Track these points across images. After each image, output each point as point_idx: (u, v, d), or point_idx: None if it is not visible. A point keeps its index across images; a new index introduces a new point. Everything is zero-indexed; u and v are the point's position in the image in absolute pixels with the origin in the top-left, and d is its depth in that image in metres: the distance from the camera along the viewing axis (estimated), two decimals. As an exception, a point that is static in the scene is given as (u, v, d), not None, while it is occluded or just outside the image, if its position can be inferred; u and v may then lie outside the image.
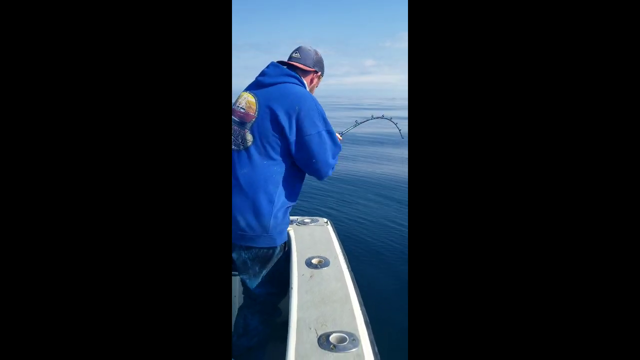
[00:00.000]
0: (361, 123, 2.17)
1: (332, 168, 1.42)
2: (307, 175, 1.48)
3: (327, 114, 1.39)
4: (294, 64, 1.44)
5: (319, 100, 1.39)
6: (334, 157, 1.41)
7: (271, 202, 1.32)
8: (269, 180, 1.32)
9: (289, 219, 1.46)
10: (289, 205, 1.41)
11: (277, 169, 1.33)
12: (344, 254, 1.49)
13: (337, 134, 1.46)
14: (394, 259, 3.17)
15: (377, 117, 2.26)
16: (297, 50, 1.47)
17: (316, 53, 1.49)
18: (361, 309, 1.11)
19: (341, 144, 1.47)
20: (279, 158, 1.33)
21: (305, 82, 1.46)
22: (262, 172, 1.31)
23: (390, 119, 2.24)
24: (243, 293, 1.54)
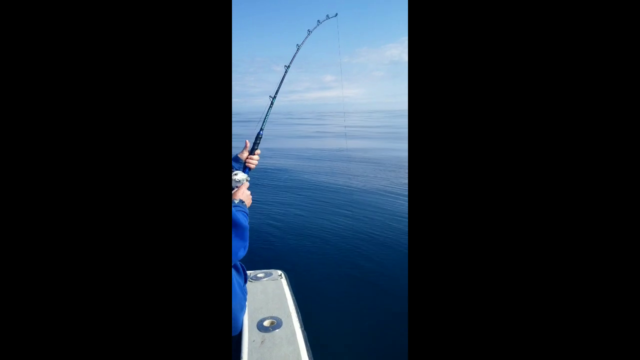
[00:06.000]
0: None
1: (243, 249, 1.22)
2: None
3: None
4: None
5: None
6: (241, 239, 1.21)
7: None
8: None
9: (247, 290, 1.41)
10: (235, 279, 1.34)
11: None
12: (297, 311, 1.48)
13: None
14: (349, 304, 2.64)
15: None
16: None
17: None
18: None
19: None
20: None
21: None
22: None
23: None
24: None
